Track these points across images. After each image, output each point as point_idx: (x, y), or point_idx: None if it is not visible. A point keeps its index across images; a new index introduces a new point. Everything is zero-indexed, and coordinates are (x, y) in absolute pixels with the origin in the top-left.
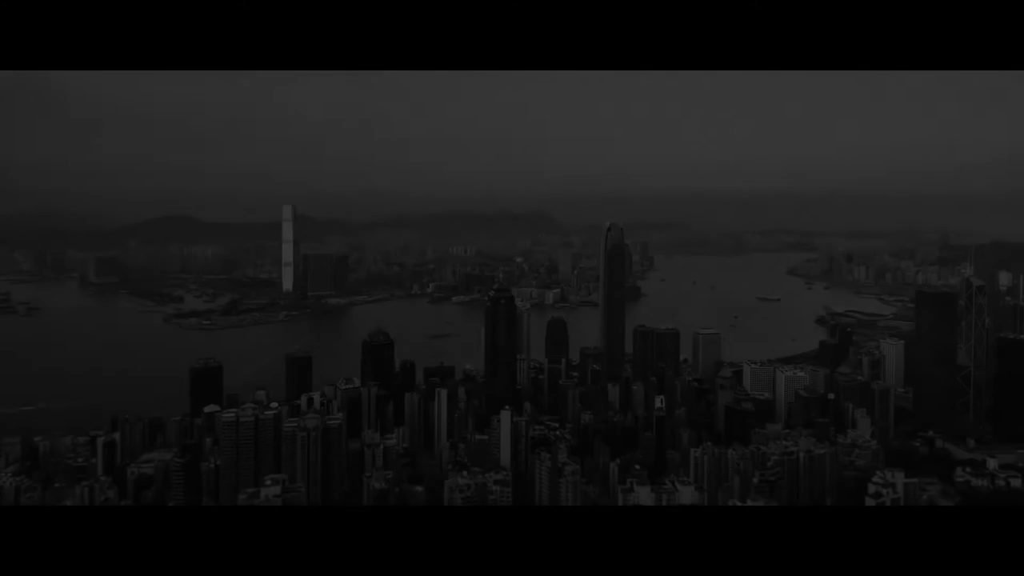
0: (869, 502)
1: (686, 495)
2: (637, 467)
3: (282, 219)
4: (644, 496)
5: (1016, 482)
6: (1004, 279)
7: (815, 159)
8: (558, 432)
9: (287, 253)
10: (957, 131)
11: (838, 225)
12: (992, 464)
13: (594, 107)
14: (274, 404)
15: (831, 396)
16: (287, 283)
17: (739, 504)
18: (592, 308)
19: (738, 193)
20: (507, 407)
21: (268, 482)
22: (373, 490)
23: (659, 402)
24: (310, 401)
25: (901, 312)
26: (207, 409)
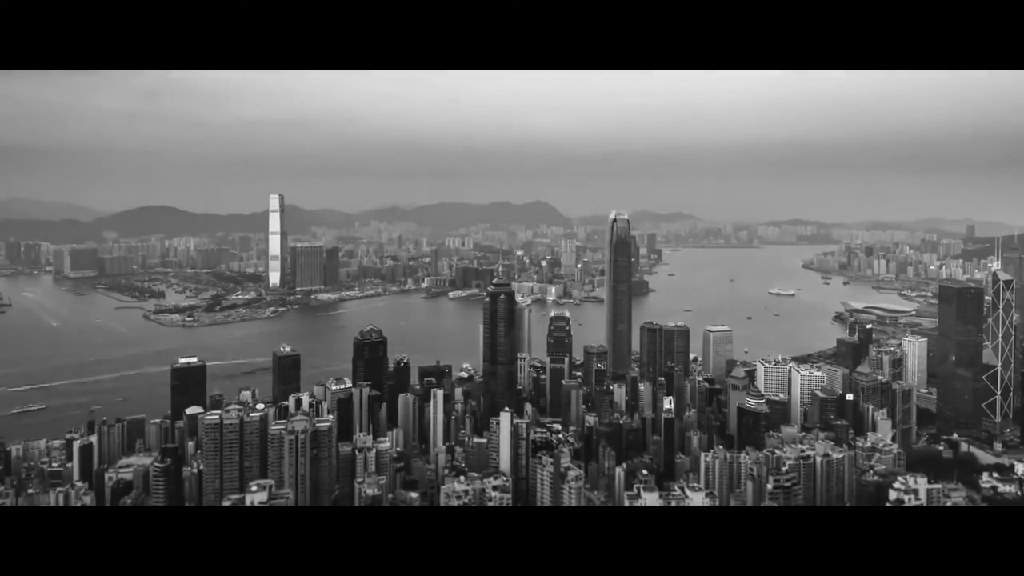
0: None
1: (696, 501)
2: (644, 472)
3: (269, 209)
4: (652, 503)
5: None
6: None
7: (830, 148)
8: (560, 435)
9: (274, 246)
10: (981, 118)
11: (857, 216)
12: (1020, 469)
13: (594, 97)
14: (260, 405)
15: (850, 397)
16: (274, 277)
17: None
18: (597, 304)
19: (751, 183)
20: (507, 409)
21: (254, 487)
22: (365, 496)
23: (668, 403)
24: (298, 402)
25: (923, 308)
26: (189, 411)
